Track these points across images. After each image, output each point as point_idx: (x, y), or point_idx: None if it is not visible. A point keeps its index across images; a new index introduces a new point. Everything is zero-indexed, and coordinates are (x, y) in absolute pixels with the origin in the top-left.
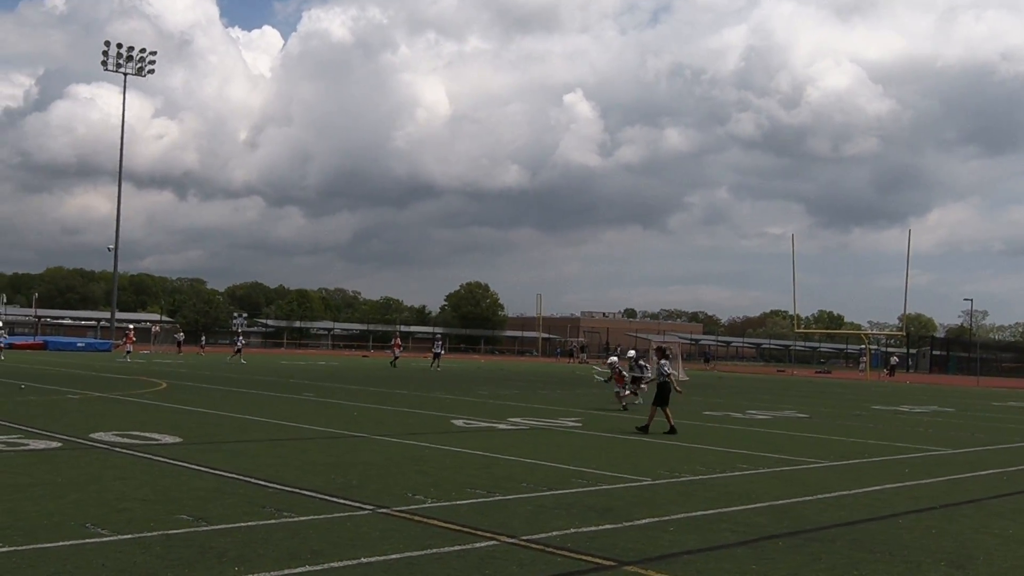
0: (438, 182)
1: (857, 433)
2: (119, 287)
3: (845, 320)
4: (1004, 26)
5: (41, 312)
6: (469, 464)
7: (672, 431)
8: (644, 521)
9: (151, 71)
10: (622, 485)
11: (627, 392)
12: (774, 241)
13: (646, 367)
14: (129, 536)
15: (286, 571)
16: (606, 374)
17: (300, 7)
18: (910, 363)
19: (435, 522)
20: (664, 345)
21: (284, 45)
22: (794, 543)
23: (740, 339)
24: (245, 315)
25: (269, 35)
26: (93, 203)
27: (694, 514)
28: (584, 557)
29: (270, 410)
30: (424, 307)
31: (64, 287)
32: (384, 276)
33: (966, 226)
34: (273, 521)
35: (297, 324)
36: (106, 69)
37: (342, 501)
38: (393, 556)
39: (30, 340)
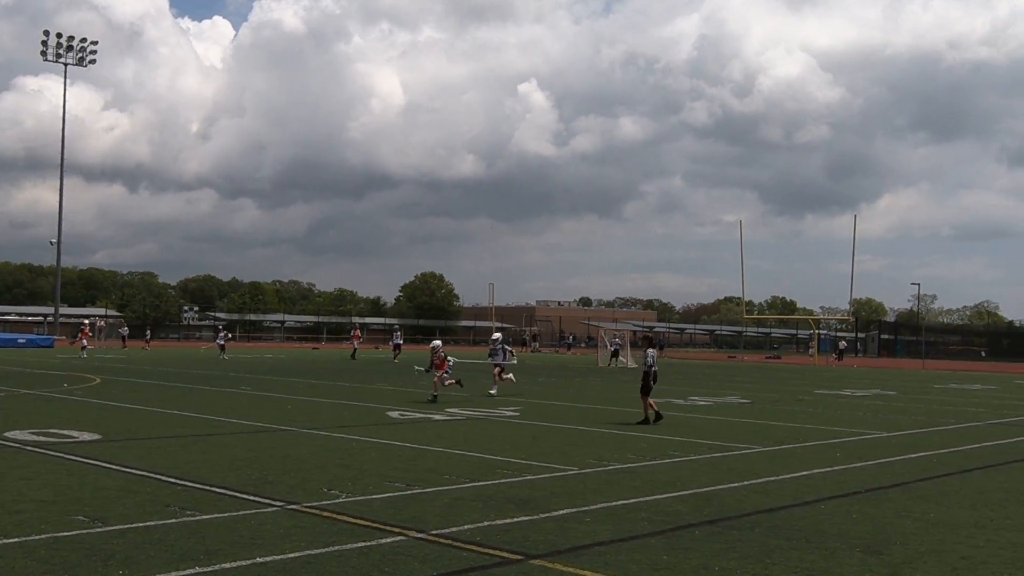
0: (394, 172)
1: (796, 418)
2: (68, 282)
3: (798, 306)
4: (951, 15)
5: None
6: (395, 457)
7: (645, 421)
8: (561, 512)
9: (92, 61)
10: (547, 475)
11: (449, 380)
12: (728, 228)
13: (509, 352)
14: (15, 540)
15: (174, 573)
16: (426, 363)
17: None
18: (859, 347)
19: (345, 518)
20: (651, 334)
21: (235, 35)
22: (711, 531)
23: (693, 326)
24: (196, 308)
25: (220, 25)
26: (42, 196)
27: (614, 503)
28: (491, 551)
29: (201, 405)
30: (379, 298)
31: (11, 282)
32: (341, 268)
33: (916, 211)
34: (173, 521)
35: (249, 317)
36: (46, 59)
37: (251, 498)
38: (292, 555)
39: None
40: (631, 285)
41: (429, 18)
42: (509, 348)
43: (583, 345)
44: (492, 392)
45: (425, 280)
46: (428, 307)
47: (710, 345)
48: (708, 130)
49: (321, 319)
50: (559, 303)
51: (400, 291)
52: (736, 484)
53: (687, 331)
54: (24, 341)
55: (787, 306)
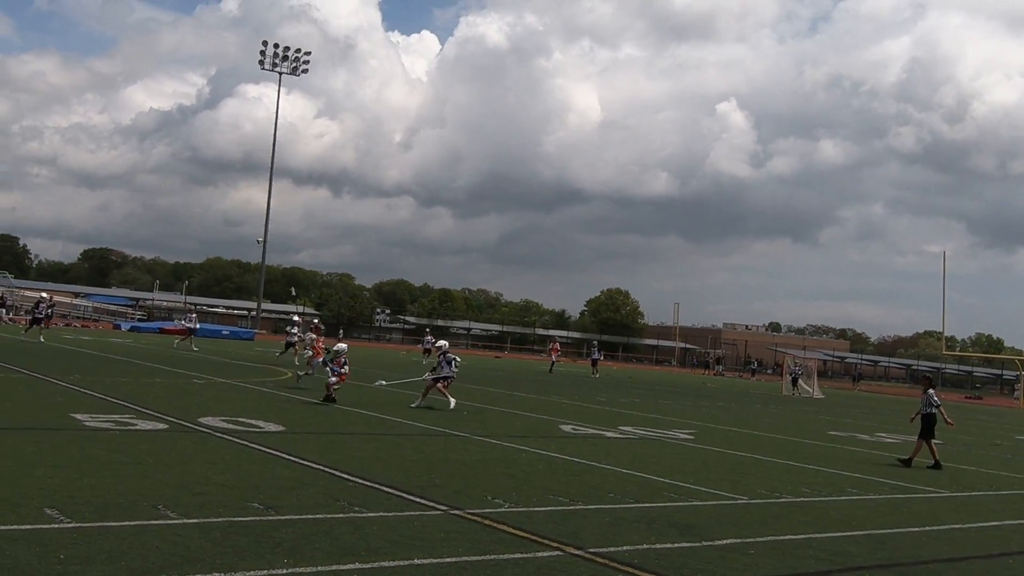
0: (586, 188)
1: (991, 464)
2: (272, 279)
3: (1005, 344)
4: None
5: (194, 300)
6: (562, 470)
7: (936, 466)
8: (725, 542)
9: (305, 71)
10: (714, 502)
11: (334, 381)
12: (931, 259)
13: (455, 361)
14: (194, 520)
15: (334, 567)
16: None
17: (458, 13)
18: None
19: (505, 527)
20: (929, 373)
21: (441, 50)
22: None
23: (888, 359)
24: (387, 311)
25: (427, 40)
26: (255, 197)
27: (782, 538)
28: (647, 575)
29: (378, 404)
30: (564, 311)
31: (221, 276)
32: (527, 279)
33: None
34: (341, 515)
35: (438, 323)
36: (263, 68)
37: (417, 499)
38: (448, 559)
39: (180, 326)
40: (821, 313)
41: (630, 36)
42: (455, 357)
43: (769, 371)
44: (451, 406)
45: (611, 296)
46: (612, 323)
47: (905, 380)
48: (915, 156)
49: (506, 328)
50: (746, 327)
51: (585, 305)
52: (916, 528)
53: (881, 364)
54: (228, 333)
55: (993, 344)
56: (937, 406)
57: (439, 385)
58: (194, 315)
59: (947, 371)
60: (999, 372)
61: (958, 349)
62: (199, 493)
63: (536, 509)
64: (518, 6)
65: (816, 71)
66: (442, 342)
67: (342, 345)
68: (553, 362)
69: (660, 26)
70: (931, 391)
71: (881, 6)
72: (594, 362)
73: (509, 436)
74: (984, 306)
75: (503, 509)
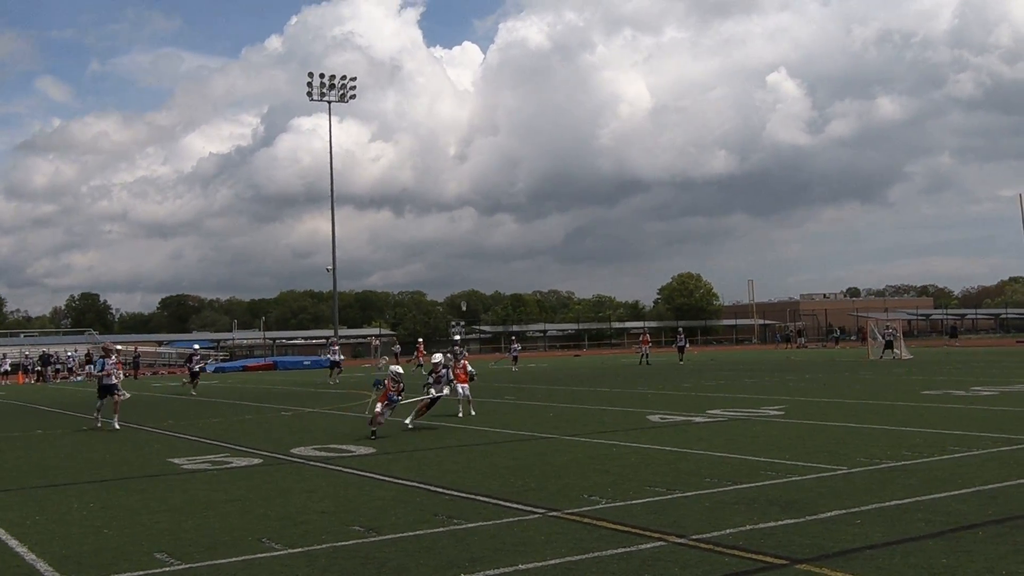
0: (646, 175)
1: None
2: (346, 305)
3: None
4: None
5: (273, 334)
6: (655, 461)
7: None
8: (829, 514)
9: (352, 96)
10: (813, 476)
11: (380, 412)
12: (1007, 204)
13: (445, 374)
14: (300, 550)
15: None
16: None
17: (497, 20)
18: None
19: (605, 524)
20: None
21: (484, 58)
22: (997, 532)
23: (975, 311)
24: (463, 323)
25: (469, 50)
26: (320, 227)
27: (887, 504)
28: (754, 556)
29: (466, 417)
30: (637, 302)
31: (296, 308)
32: (598, 274)
33: None
34: (442, 529)
35: (513, 328)
36: (311, 99)
37: (514, 505)
38: (552, 561)
39: (261, 362)
40: (902, 272)
41: (671, 19)
42: (449, 375)
43: (853, 338)
44: (408, 423)
45: (682, 281)
46: (687, 308)
47: (996, 330)
48: (977, 102)
49: (581, 326)
50: (824, 296)
51: (658, 293)
52: None
53: (968, 316)
54: (309, 363)
55: None
56: None
57: (422, 404)
58: (336, 347)
59: None
60: None
61: None
62: (300, 523)
63: (634, 502)
64: (556, 5)
65: (865, 29)
66: (437, 356)
67: (437, 357)
68: (645, 354)
69: (701, 5)
70: None
71: None
72: (680, 349)
73: (599, 432)
74: None
75: (601, 506)
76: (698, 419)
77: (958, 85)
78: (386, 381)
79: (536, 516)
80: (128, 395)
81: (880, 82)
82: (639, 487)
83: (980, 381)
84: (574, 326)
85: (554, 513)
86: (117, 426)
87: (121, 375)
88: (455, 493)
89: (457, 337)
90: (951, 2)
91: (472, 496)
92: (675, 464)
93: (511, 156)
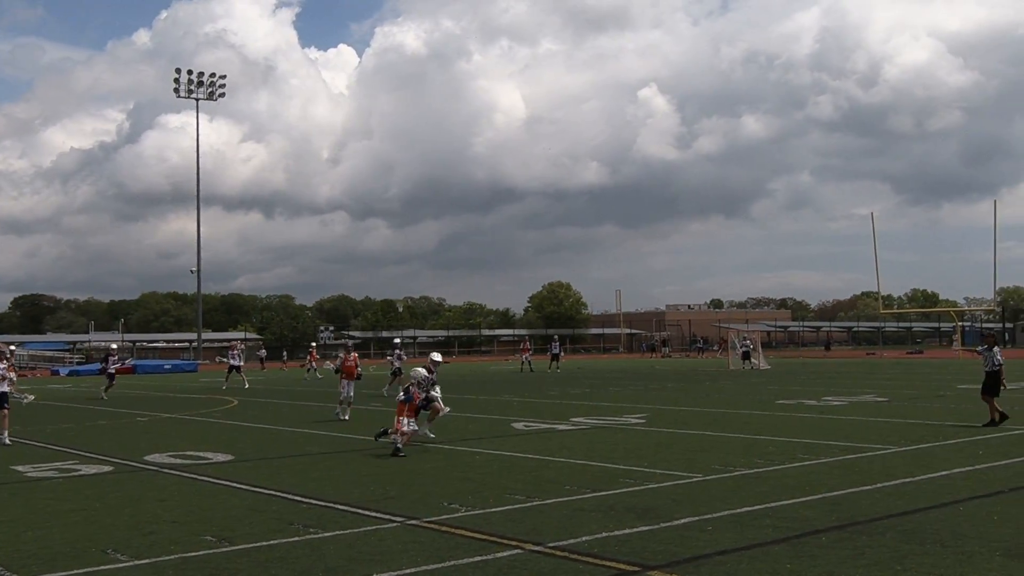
0: (519, 184)
1: (937, 415)
2: (211, 308)
3: (940, 298)
4: None
5: (133, 337)
6: (517, 468)
7: (992, 423)
8: (683, 521)
9: (222, 95)
10: (670, 483)
11: (408, 428)
12: (862, 222)
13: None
14: (146, 561)
15: None
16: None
17: (374, 24)
18: (1007, 338)
19: (463, 532)
20: (991, 333)
21: (360, 62)
22: (840, 537)
23: (829, 323)
24: (331, 328)
25: (345, 53)
26: (186, 227)
27: (739, 511)
28: (608, 563)
29: (331, 423)
30: (508, 310)
31: (159, 311)
32: (471, 282)
33: None
34: (297, 539)
35: (382, 334)
36: (179, 96)
37: (373, 514)
38: (408, 570)
39: (120, 365)
40: (763, 285)
41: (547, 31)
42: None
43: (715, 348)
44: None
45: (552, 290)
46: (556, 316)
47: (848, 343)
48: (835, 124)
49: (451, 333)
50: (689, 307)
51: (528, 302)
52: (868, 487)
53: (823, 329)
54: (170, 367)
55: (928, 298)
56: (1000, 364)
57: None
58: (235, 352)
59: (887, 329)
60: (936, 325)
61: (895, 306)
62: (149, 533)
63: (494, 510)
64: (433, 12)
65: (732, 49)
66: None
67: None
68: (526, 360)
69: (576, 19)
70: (996, 348)
71: None
72: (554, 357)
73: (463, 440)
74: (916, 262)
75: (461, 514)
76: (562, 427)
77: (818, 107)
78: (411, 388)
79: (395, 525)
80: (32, 397)
81: (746, 101)
82: (499, 495)
83: (831, 391)
84: (444, 333)
85: (413, 521)
86: (8, 441)
87: (14, 378)
88: (313, 502)
89: (397, 340)
90: (813, 28)
91: (331, 505)
92: (537, 472)
93: (385, 161)
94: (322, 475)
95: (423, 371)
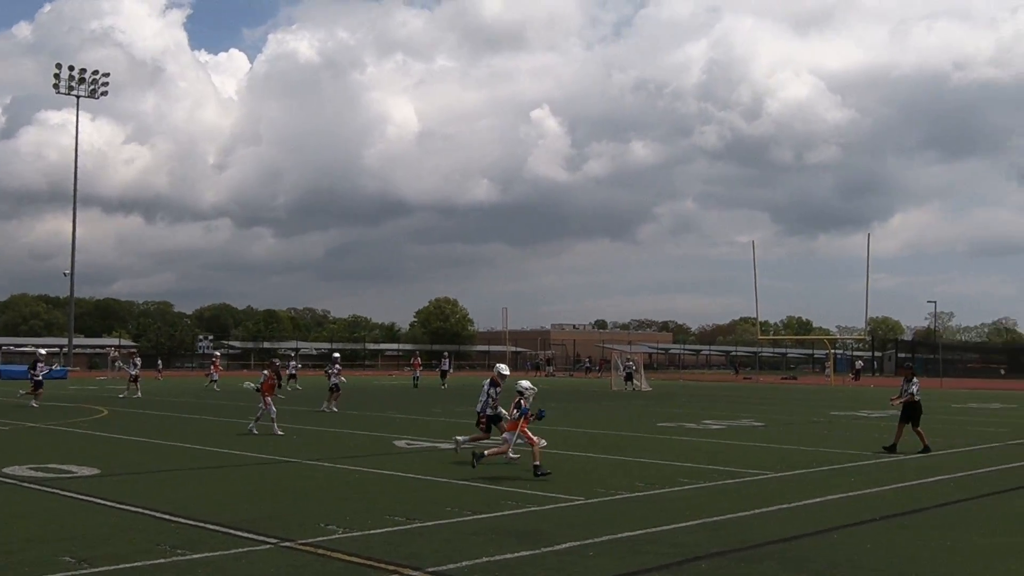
0: (410, 198)
1: (811, 441)
2: (84, 312)
3: (814, 325)
4: (956, 36)
5: None
6: (399, 488)
7: (926, 450)
8: (565, 546)
9: (104, 93)
10: (552, 506)
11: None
12: (742, 249)
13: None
14: None
15: None
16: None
17: (267, 31)
18: (876, 367)
19: (339, 555)
20: (911, 364)
21: (251, 67)
22: (719, 563)
23: (709, 347)
24: (210, 337)
25: (236, 58)
26: (63, 228)
27: (620, 535)
28: None
29: (208, 436)
30: (394, 324)
31: (28, 314)
32: (358, 295)
33: (930, 229)
34: (163, 560)
35: (264, 345)
36: (59, 92)
37: (246, 535)
38: None
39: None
40: (647, 307)
41: (443, 48)
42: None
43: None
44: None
45: (439, 305)
46: (442, 332)
47: (726, 366)
48: (719, 153)
49: (336, 346)
50: (574, 326)
51: (415, 316)
52: (748, 512)
53: (703, 352)
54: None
55: (803, 326)
56: (911, 392)
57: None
58: (134, 360)
59: (763, 354)
60: (810, 352)
61: (772, 332)
62: (2, 553)
63: (373, 532)
64: (328, 22)
65: (624, 76)
66: (525, 383)
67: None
68: (416, 376)
69: (472, 38)
70: (915, 379)
71: (679, 11)
72: (443, 373)
73: (343, 457)
74: (792, 290)
75: (338, 536)
76: (445, 446)
77: (703, 136)
78: (522, 402)
79: (268, 547)
80: None
81: (634, 127)
82: (379, 516)
83: (711, 415)
84: (328, 345)
85: (287, 543)
86: None
87: None
88: (184, 521)
89: (336, 355)
90: (700, 59)
91: (202, 524)
92: (417, 492)
93: (273, 169)
94: (196, 492)
95: (529, 383)
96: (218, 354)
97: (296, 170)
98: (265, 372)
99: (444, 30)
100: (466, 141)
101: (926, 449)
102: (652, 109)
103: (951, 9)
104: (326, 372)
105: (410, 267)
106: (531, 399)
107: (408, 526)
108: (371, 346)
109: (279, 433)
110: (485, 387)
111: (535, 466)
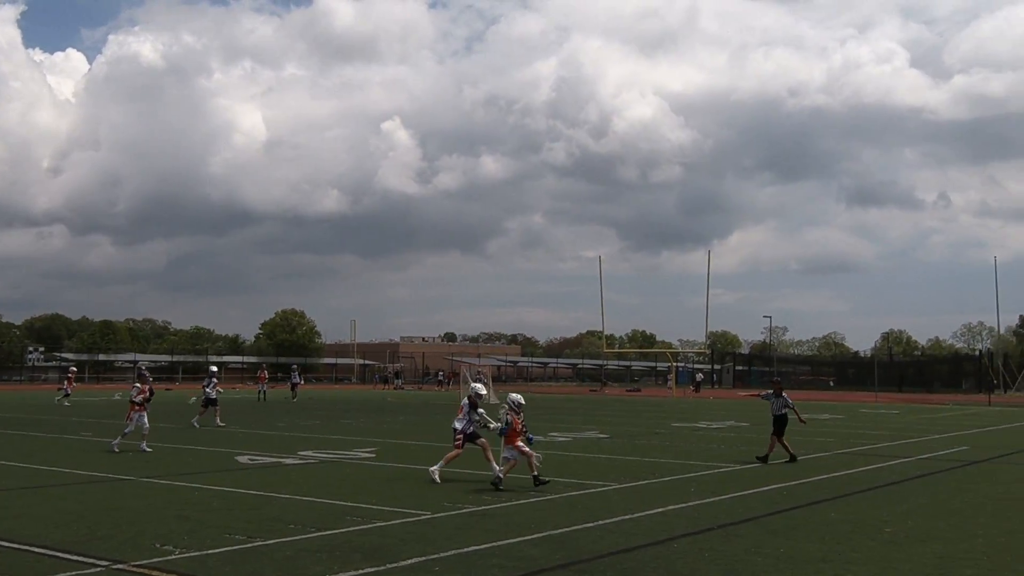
0: (257, 208)
1: (653, 452)
2: None
3: (657, 339)
4: (791, 64)
5: None
6: (239, 505)
7: (792, 460)
8: (410, 561)
9: None
10: (398, 521)
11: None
12: (589, 264)
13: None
14: None
15: None
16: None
17: (108, 32)
18: (715, 379)
19: None
20: (779, 380)
21: (90, 69)
22: None
23: (556, 360)
24: (41, 349)
25: (74, 58)
26: None
27: (466, 550)
28: None
29: (34, 453)
30: (238, 336)
31: None
32: (202, 305)
33: (765, 247)
34: None
35: (99, 357)
36: None
37: (75, 558)
38: None
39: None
40: (496, 320)
41: (292, 56)
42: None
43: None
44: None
45: (285, 317)
46: (288, 344)
47: (573, 379)
48: (568, 169)
49: (176, 358)
50: (423, 339)
51: (260, 328)
52: (591, 524)
53: (550, 365)
54: None
55: (647, 339)
56: (791, 407)
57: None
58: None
59: (609, 367)
60: (653, 364)
61: (617, 346)
62: None
63: (211, 552)
64: (173, 26)
65: (475, 90)
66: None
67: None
68: (262, 390)
69: (323, 47)
70: (784, 394)
71: (530, 29)
72: (293, 386)
73: (181, 474)
74: (637, 304)
75: (174, 556)
76: (289, 461)
77: (552, 152)
78: (509, 416)
79: (99, 570)
80: None
81: (485, 142)
82: (218, 535)
83: (557, 427)
84: (168, 358)
85: (119, 566)
86: None
87: None
88: (6, 544)
89: (213, 368)
90: (550, 77)
91: (26, 547)
92: (260, 509)
93: (112, 174)
94: (19, 512)
95: (519, 396)
96: (74, 369)
97: (137, 176)
98: (137, 385)
99: (294, 38)
100: (316, 151)
101: (792, 458)
102: (502, 124)
103: (786, 38)
104: (203, 386)
105: (256, 278)
106: (515, 409)
107: (248, 544)
108: (214, 358)
109: (147, 450)
110: (465, 408)
111: (535, 476)
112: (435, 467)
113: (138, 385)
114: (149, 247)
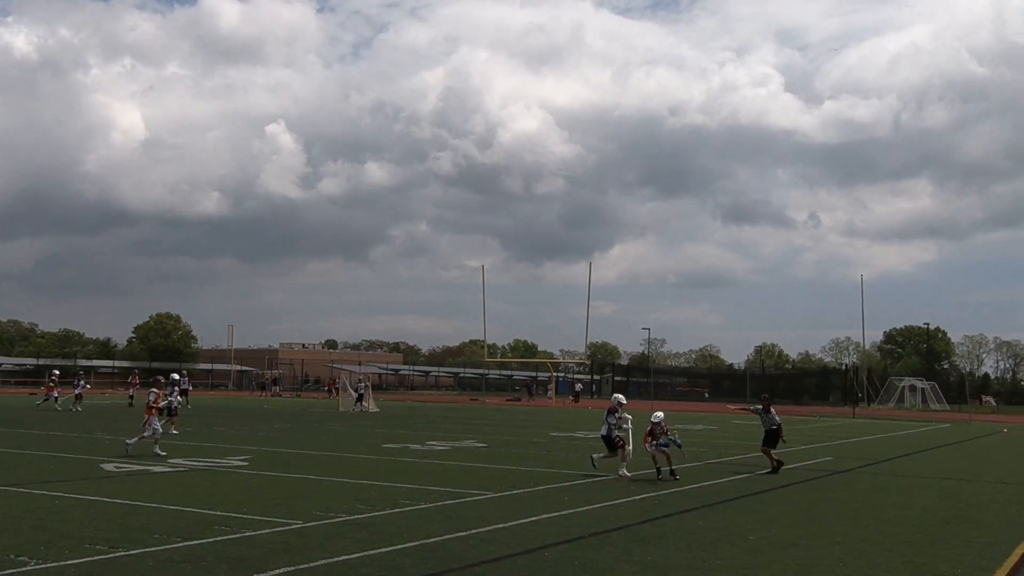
0: (133, 208)
1: (529, 462)
2: None
3: (539, 348)
4: (671, 83)
5: None
6: (103, 515)
7: (775, 471)
8: (278, 571)
9: None
10: (268, 531)
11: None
12: (473, 273)
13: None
14: None
15: None
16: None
17: None
18: (594, 389)
19: None
20: (768, 396)
21: None
22: None
23: (438, 368)
24: None
25: None
26: None
27: (337, 559)
28: None
29: None
30: (109, 339)
31: None
32: (72, 307)
33: (645, 261)
34: None
35: None
36: None
37: None
38: None
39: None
40: (379, 327)
41: (175, 55)
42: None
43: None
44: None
45: (160, 321)
46: (163, 349)
47: (455, 387)
48: (453, 179)
49: (43, 362)
50: (304, 346)
51: (133, 332)
52: (464, 533)
53: (432, 374)
54: None
55: (529, 349)
56: (778, 424)
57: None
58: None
59: (491, 376)
60: (535, 374)
61: (499, 355)
62: None
63: (70, 563)
64: (50, 19)
65: (362, 97)
66: (659, 414)
67: (659, 414)
68: (132, 395)
69: (207, 48)
70: (772, 410)
71: (418, 38)
72: (184, 392)
73: (41, 482)
74: (519, 314)
75: (30, 568)
76: (157, 469)
77: (438, 161)
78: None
79: None
80: None
81: (371, 148)
82: (78, 545)
83: (436, 436)
84: (34, 361)
85: None
86: None
87: None
88: None
89: (175, 376)
90: (437, 86)
91: None
92: (124, 519)
93: None
94: None
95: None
96: (57, 372)
97: (4, 172)
98: (154, 390)
99: (176, 37)
100: (196, 152)
101: (773, 471)
102: (389, 132)
103: (668, 58)
104: (164, 393)
105: (131, 280)
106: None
107: (110, 555)
108: (83, 362)
109: (160, 454)
110: (604, 416)
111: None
112: (622, 469)
113: (155, 391)
114: (15, 245)
